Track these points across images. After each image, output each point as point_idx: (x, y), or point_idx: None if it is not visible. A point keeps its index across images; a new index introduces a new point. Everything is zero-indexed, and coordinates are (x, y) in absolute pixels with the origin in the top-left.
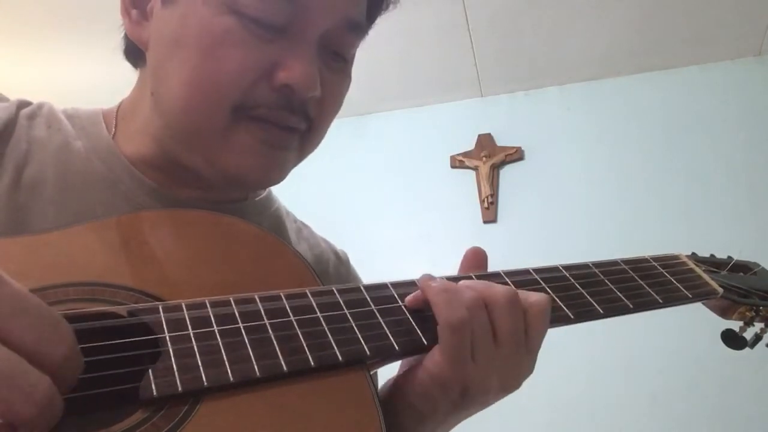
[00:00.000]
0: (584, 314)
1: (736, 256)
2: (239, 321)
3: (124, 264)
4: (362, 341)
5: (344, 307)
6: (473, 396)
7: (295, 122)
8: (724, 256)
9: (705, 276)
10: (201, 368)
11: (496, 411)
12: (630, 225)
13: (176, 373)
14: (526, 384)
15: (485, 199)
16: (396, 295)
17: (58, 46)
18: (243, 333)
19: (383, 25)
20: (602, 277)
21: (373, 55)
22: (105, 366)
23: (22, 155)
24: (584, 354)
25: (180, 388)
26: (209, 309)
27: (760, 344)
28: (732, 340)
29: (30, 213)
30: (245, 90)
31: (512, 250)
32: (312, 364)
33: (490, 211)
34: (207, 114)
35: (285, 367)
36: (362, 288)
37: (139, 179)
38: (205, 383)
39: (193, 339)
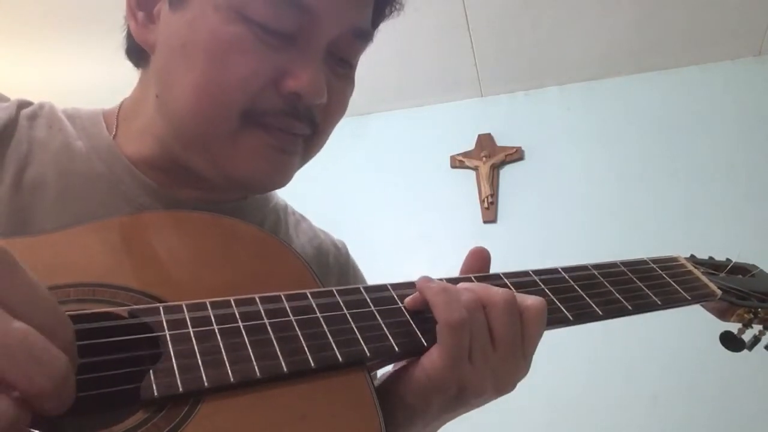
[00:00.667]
0: (583, 316)
1: (735, 258)
2: (239, 322)
3: (125, 265)
4: (362, 342)
5: (344, 308)
6: (467, 397)
7: (301, 129)
8: (723, 257)
9: (703, 278)
10: (201, 369)
11: (496, 411)
12: (629, 225)
13: (177, 374)
14: (527, 384)
15: (485, 199)
16: (396, 297)
17: (58, 46)
18: (243, 334)
19: (383, 26)
20: (601, 278)
21: (372, 55)
22: (106, 366)
23: (23, 156)
24: (584, 354)
25: (181, 389)
26: (210, 310)
27: (759, 346)
28: (730, 342)
29: (31, 214)
30: (253, 96)
31: (512, 250)
32: (312, 364)
33: (490, 211)
34: (215, 119)
35: (285, 368)
36: (362, 289)
37: (139, 179)
38: (206, 384)
39: (193, 339)
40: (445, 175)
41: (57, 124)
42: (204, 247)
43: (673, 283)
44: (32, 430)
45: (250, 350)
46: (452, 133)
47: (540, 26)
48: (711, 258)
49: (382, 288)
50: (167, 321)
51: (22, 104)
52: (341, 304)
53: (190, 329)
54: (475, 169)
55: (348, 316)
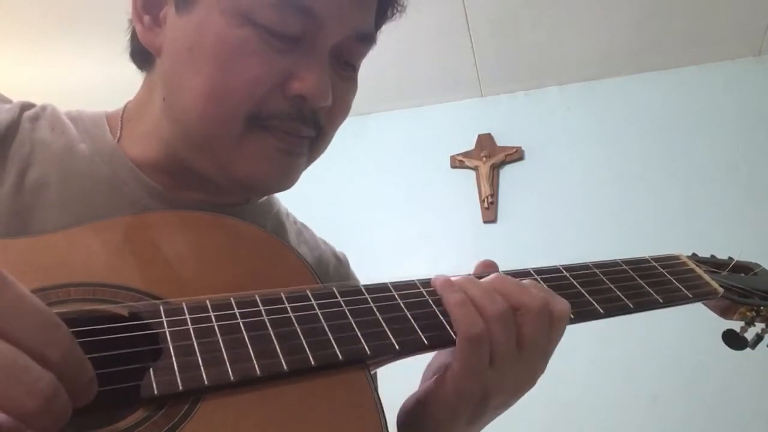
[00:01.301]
0: (585, 314)
1: (736, 257)
2: (240, 320)
3: (126, 265)
4: (362, 340)
5: (344, 307)
6: (491, 401)
7: (306, 131)
8: (724, 256)
9: (705, 276)
10: (201, 367)
11: None
12: (630, 225)
13: (177, 372)
14: None
15: (485, 199)
16: (396, 296)
17: (58, 46)
18: (243, 332)
19: (383, 26)
20: (602, 277)
21: (373, 55)
22: (106, 365)
23: (25, 157)
24: (584, 354)
25: (180, 387)
26: (210, 308)
27: (761, 344)
28: (733, 340)
29: (33, 215)
30: (260, 99)
31: (512, 250)
32: (312, 363)
33: (490, 211)
34: (222, 122)
35: (285, 366)
36: (363, 288)
37: (143, 182)
38: (206, 382)
39: (193, 338)
40: (445, 175)
41: (60, 126)
42: (205, 246)
43: (674, 281)
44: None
45: (250, 348)
46: (452, 133)
47: (540, 26)
48: (713, 256)
49: (382, 287)
50: (167, 319)
51: (25, 106)
52: (341, 302)
53: (190, 328)
54: (475, 169)
55: (348, 314)
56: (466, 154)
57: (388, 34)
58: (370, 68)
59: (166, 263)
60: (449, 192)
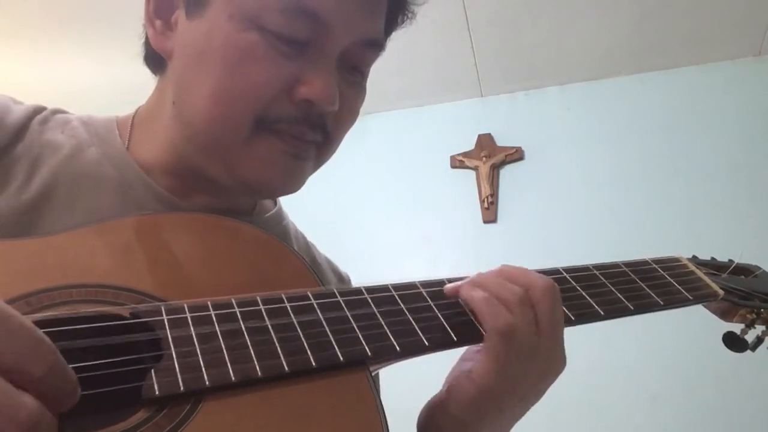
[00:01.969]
0: (585, 316)
1: (737, 256)
2: (241, 321)
3: (128, 266)
4: (363, 342)
5: (345, 308)
6: (515, 400)
7: (313, 136)
8: (724, 256)
9: (706, 278)
10: (203, 368)
11: None
12: (630, 225)
13: (178, 373)
14: None
15: (485, 199)
16: (396, 297)
17: (58, 46)
18: (244, 333)
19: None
20: (603, 279)
21: None
22: (108, 366)
23: (33, 159)
24: (585, 354)
25: (182, 388)
26: (211, 310)
27: (762, 347)
28: (733, 342)
29: (40, 216)
30: (267, 104)
31: (512, 250)
32: (313, 364)
33: (490, 211)
34: (229, 126)
35: (286, 367)
36: (363, 289)
37: (150, 186)
38: (207, 383)
39: (195, 339)
40: (445, 175)
41: (69, 130)
42: (206, 248)
43: (675, 283)
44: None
45: (251, 350)
46: (452, 133)
47: (540, 26)
48: (713, 259)
49: (383, 288)
50: (169, 321)
51: (37, 109)
52: (342, 303)
53: (192, 329)
54: (475, 169)
55: (349, 315)
56: (466, 154)
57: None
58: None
59: (168, 265)
60: (449, 192)
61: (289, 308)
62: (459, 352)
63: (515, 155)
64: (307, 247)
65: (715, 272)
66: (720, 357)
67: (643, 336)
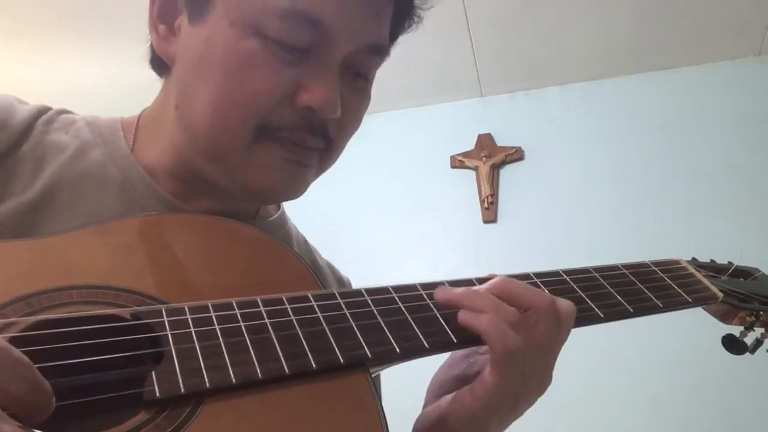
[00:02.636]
0: (585, 318)
1: (737, 256)
2: (241, 323)
3: (128, 267)
4: (363, 344)
5: (345, 310)
6: (520, 407)
7: (314, 142)
8: (723, 256)
9: (705, 281)
10: (203, 370)
11: None
12: (630, 225)
13: (179, 375)
14: None
15: (485, 199)
16: (397, 299)
17: (59, 46)
18: (245, 335)
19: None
20: (603, 281)
21: None
22: (108, 367)
23: (37, 159)
24: (585, 355)
25: (182, 390)
26: (212, 311)
27: (761, 349)
28: (732, 345)
29: (44, 216)
30: (268, 111)
31: (512, 250)
32: (313, 366)
33: (490, 211)
34: (230, 133)
35: (287, 369)
36: (364, 291)
37: (152, 188)
38: (208, 385)
39: (195, 341)
40: (445, 175)
41: (74, 131)
42: (207, 249)
43: (674, 285)
44: (34, 430)
45: (251, 351)
46: (452, 133)
47: (540, 26)
48: (713, 261)
49: (383, 290)
50: (169, 322)
51: (41, 110)
52: (342, 305)
53: (192, 331)
54: (475, 169)
55: (349, 317)
56: (466, 154)
57: None
58: None
59: (169, 266)
60: (449, 192)
61: (289, 310)
62: None
63: (515, 155)
64: (309, 250)
65: (715, 275)
66: (720, 358)
67: (643, 337)
